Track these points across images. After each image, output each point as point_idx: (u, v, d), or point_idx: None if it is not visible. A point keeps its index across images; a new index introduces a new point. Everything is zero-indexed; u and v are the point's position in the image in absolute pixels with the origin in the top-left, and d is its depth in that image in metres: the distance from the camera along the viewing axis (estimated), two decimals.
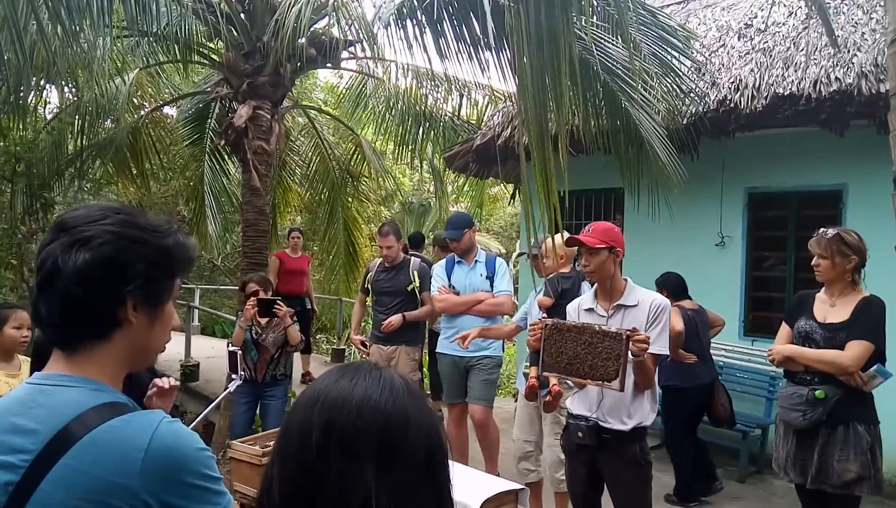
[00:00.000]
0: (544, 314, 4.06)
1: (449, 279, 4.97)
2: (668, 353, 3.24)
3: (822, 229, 3.32)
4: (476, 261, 4.95)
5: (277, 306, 4.84)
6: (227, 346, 4.73)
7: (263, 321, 4.96)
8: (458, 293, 4.91)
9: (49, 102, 8.71)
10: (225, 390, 3.92)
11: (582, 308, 3.30)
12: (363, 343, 5.47)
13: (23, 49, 3.76)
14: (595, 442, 3.14)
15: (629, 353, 2.82)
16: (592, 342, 2.89)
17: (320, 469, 0.87)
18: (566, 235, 4.34)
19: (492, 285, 4.86)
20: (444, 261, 5.16)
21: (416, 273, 5.29)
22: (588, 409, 3.19)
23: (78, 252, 1.15)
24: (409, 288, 5.27)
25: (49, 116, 8.05)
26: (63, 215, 1.26)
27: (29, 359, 3.32)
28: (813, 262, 3.30)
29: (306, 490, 0.88)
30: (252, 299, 4.87)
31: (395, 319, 5.16)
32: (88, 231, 1.17)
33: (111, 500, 1.04)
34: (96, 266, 1.15)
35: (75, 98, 7.13)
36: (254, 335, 4.92)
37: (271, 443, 3.90)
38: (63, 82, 6.04)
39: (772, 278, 6.32)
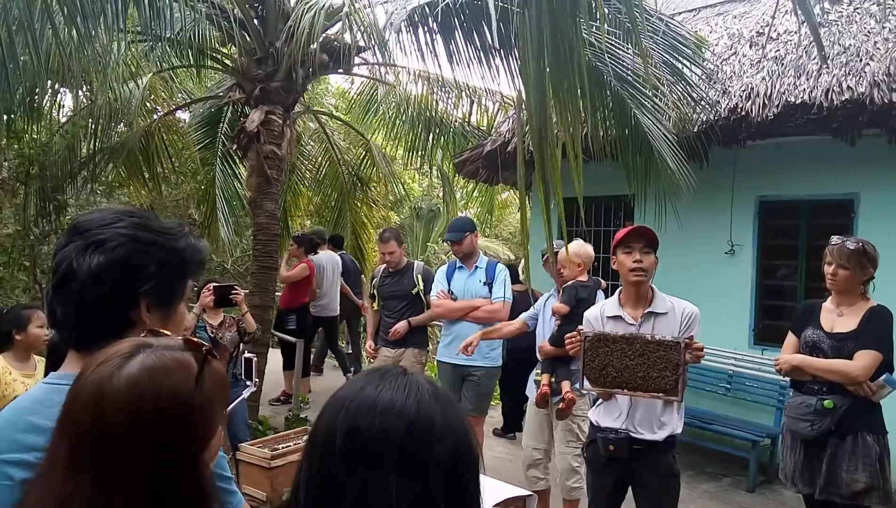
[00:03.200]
0: (559, 322, 4.05)
1: (449, 284, 4.98)
2: (699, 362, 3.19)
3: (837, 238, 3.29)
4: (476, 267, 4.96)
5: (235, 292, 4.80)
6: (244, 352, 4.74)
7: (216, 321, 4.92)
8: (455, 299, 4.92)
9: (63, 106, 8.78)
10: (239, 396, 3.93)
11: (605, 316, 3.20)
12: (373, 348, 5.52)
13: (38, 52, 3.80)
14: (627, 454, 3.05)
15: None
16: (645, 353, 2.79)
17: (343, 477, 0.86)
18: (580, 242, 4.34)
19: (490, 292, 4.86)
20: (445, 266, 5.19)
21: (419, 277, 5.32)
22: (618, 420, 3.10)
23: (92, 255, 1.18)
24: (414, 292, 5.30)
25: (63, 120, 8.12)
26: (78, 218, 1.29)
27: (44, 360, 3.36)
28: (830, 270, 3.28)
29: (330, 497, 0.87)
30: (209, 285, 4.85)
31: (401, 326, 5.19)
32: (102, 234, 1.20)
33: None
34: (110, 269, 1.18)
35: (89, 102, 7.19)
36: (210, 334, 4.89)
37: (281, 446, 3.93)
38: (77, 86, 6.09)
39: (782, 286, 6.29)
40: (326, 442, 0.89)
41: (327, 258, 8.00)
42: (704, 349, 2.80)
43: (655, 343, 2.79)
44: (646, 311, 3.10)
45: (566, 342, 3.20)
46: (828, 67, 5.48)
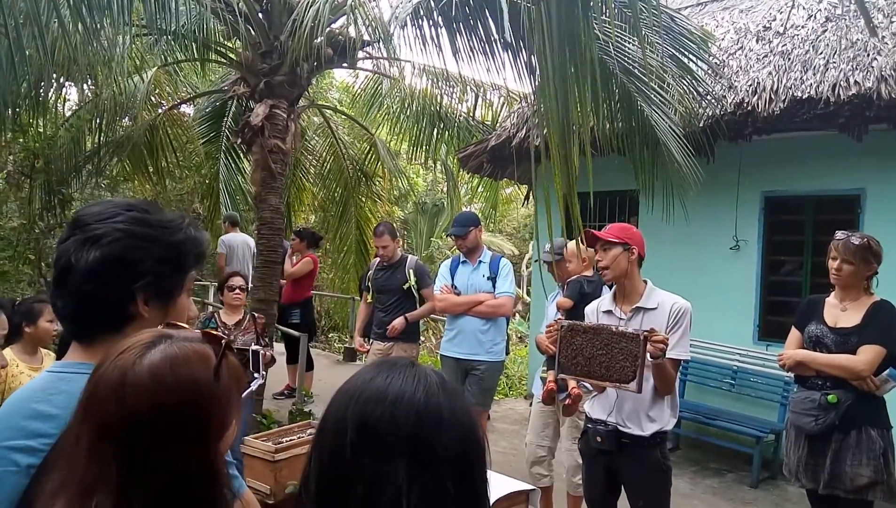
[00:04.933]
0: (561, 316, 4.05)
1: (452, 279, 4.99)
2: (688, 358, 3.20)
3: (842, 233, 3.29)
4: (480, 261, 4.97)
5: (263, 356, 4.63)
6: (250, 345, 4.69)
7: (232, 321, 4.81)
8: (459, 293, 4.93)
9: (68, 100, 8.80)
10: (247, 388, 3.89)
11: (600, 310, 3.26)
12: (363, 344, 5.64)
13: (44, 45, 3.80)
14: (614, 447, 3.09)
15: (647, 354, 2.78)
16: (609, 343, 2.85)
17: (353, 467, 0.87)
18: None
19: (494, 286, 4.87)
20: (449, 260, 5.21)
21: (411, 272, 5.36)
22: (607, 413, 3.14)
23: (89, 250, 1.19)
24: (405, 286, 5.33)
25: (68, 113, 8.13)
26: (80, 211, 1.30)
27: (52, 354, 3.37)
28: (834, 265, 3.27)
29: (340, 486, 0.88)
30: (232, 278, 4.73)
31: (398, 322, 5.25)
32: (99, 229, 1.21)
33: None
34: (106, 264, 1.19)
35: (94, 95, 7.21)
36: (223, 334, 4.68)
37: (285, 440, 3.92)
38: (83, 80, 6.10)
39: (787, 282, 6.27)
40: (337, 433, 0.90)
41: (240, 240, 8.35)
42: (666, 341, 2.80)
43: (618, 335, 2.85)
44: (635, 306, 3.13)
45: (546, 331, 3.27)
46: (878, 44, 5.38)
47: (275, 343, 6.76)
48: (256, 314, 4.80)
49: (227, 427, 1.02)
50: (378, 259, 5.56)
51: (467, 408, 0.95)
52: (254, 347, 4.28)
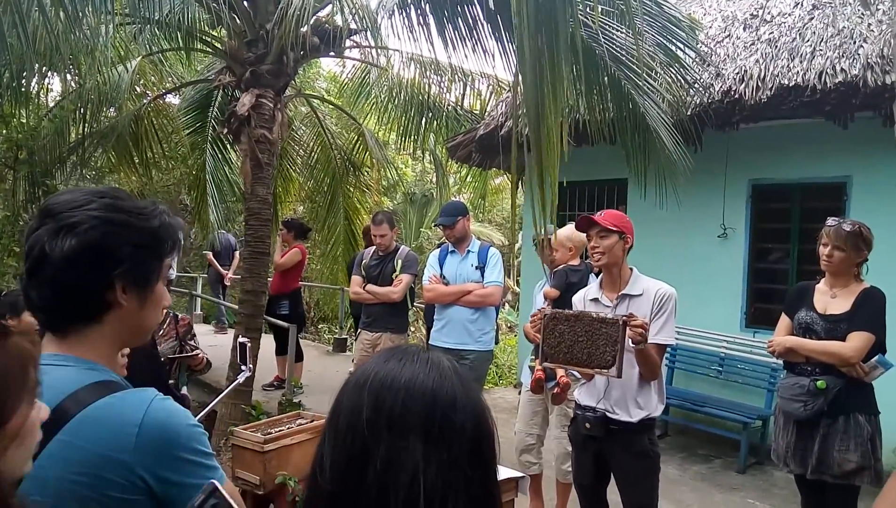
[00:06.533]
0: (548, 305, 4.06)
1: (441, 269, 4.98)
2: (673, 343, 3.22)
3: (834, 220, 3.30)
4: (468, 251, 4.95)
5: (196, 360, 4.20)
6: (238, 337, 4.65)
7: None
8: (447, 283, 4.92)
9: (51, 90, 8.69)
10: (234, 381, 3.89)
11: (587, 299, 3.28)
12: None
13: (26, 35, 3.74)
14: (603, 433, 3.12)
15: (627, 339, 2.80)
16: (590, 330, 2.87)
17: (370, 446, 0.89)
18: (573, 226, 4.33)
19: (483, 276, 4.86)
20: (437, 250, 5.19)
21: (399, 261, 5.34)
22: (595, 400, 3.17)
23: (64, 238, 1.16)
24: (394, 276, 5.31)
25: (51, 104, 8.03)
26: (49, 199, 1.26)
27: None
28: (825, 252, 3.28)
29: (357, 465, 0.90)
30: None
31: (355, 280, 5.38)
32: (74, 217, 1.17)
33: (106, 474, 1.05)
34: (83, 252, 1.16)
35: (78, 86, 7.11)
36: None
37: (274, 430, 3.91)
38: (66, 69, 6.02)
39: (774, 270, 6.31)
40: (353, 412, 0.92)
41: None
42: (645, 326, 2.81)
43: (599, 321, 2.87)
44: (620, 293, 3.15)
45: (531, 320, 3.29)
46: (864, 32, 5.38)
47: (263, 335, 6.71)
48: (180, 316, 4.36)
49: (6, 420, 0.86)
50: (373, 248, 5.52)
51: (478, 392, 0.98)
52: (241, 339, 4.24)
